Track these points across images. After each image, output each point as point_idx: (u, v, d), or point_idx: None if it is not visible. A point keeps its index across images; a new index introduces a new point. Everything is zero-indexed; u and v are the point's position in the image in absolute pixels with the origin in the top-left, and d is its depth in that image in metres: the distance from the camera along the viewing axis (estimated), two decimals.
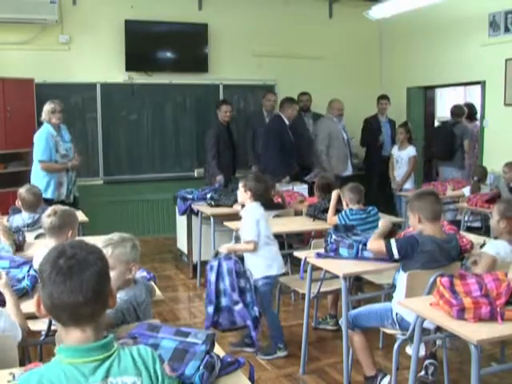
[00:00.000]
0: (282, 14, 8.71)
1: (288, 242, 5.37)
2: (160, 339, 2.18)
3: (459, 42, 7.93)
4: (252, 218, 4.27)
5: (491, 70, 7.45)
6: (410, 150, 7.74)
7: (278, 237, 5.18)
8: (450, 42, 8.06)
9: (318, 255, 3.91)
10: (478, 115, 7.99)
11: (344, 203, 4.74)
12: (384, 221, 3.92)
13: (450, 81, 8.33)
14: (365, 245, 3.78)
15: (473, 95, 9.01)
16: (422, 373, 3.78)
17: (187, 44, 8.21)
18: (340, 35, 9.08)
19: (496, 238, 3.85)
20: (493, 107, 7.56)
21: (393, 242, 3.45)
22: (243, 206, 4.51)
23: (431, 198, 3.54)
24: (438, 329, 3.12)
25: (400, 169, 7.82)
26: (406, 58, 8.83)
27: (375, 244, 3.66)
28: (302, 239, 5.31)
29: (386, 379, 3.63)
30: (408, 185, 7.73)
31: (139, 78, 8.08)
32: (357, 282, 4.60)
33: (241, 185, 4.41)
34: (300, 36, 8.82)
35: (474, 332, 2.59)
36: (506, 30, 7.24)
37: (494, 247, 3.61)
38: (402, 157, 7.79)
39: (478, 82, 7.84)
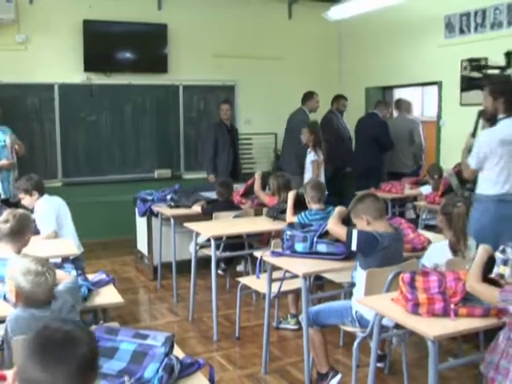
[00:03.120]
0: (242, 14, 8.72)
1: (248, 243, 5.37)
2: (118, 342, 2.16)
3: (416, 43, 8.05)
4: None
5: (447, 70, 7.58)
6: (312, 155, 6.92)
7: (239, 237, 5.23)
8: (408, 43, 8.19)
9: (274, 253, 3.93)
10: (435, 115, 8.12)
11: (306, 201, 4.72)
12: (340, 207, 3.94)
13: (407, 81, 8.45)
14: (319, 236, 3.81)
15: (430, 95, 9.13)
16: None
17: (146, 44, 8.16)
18: (299, 36, 9.14)
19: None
20: (449, 107, 7.69)
21: (355, 232, 3.47)
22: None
23: (371, 197, 3.60)
24: (397, 326, 3.15)
25: (306, 173, 6.99)
26: (365, 59, 8.93)
27: (337, 228, 3.65)
28: (262, 239, 5.32)
29: (337, 378, 3.70)
30: None
31: (98, 79, 7.98)
32: (317, 281, 4.62)
33: None
34: (260, 36, 8.85)
35: (431, 328, 2.64)
36: (461, 31, 7.38)
37: (435, 253, 3.71)
38: (307, 161, 7.02)
39: (435, 83, 7.97)
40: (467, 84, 5.99)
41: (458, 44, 7.40)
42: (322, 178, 6.75)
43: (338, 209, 3.87)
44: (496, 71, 5.73)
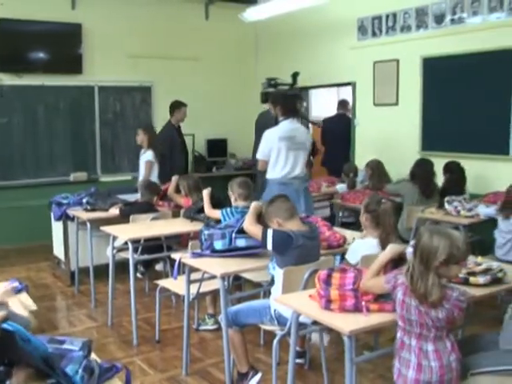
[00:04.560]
0: (158, 14, 8.66)
1: (167, 244, 5.34)
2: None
3: (331, 45, 8.23)
4: None
5: (361, 71, 7.80)
6: (146, 155, 6.91)
7: (157, 239, 5.19)
8: (323, 45, 8.35)
9: (194, 254, 3.92)
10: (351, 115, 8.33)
11: (233, 198, 4.68)
12: (254, 203, 3.96)
13: (323, 82, 8.62)
14: (238, 232, 3.83)
15: (345, 96, 9.35)
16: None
17: (60, 44, 7.97)
18: (216, 36, 9.17)
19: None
20: (363, 107, 7.91)
21: (270, 232, 3.50)
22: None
23: (280, 199, 3.66)
24: (315, 322, 3.21)
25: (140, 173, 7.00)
26: (281, 60, 9.02)
27: (253, 227, 3.70)
28: (182, 241, 5.30)
29: (257, 377, 3.73)
30: None
31: (9, 80, 7.73)
32: (236, 281, 4.64)
33: None
34: (176, 37, 8.82)
35: (346, 323, 2.70)
36: (374, 34, 7.60)
37: (359, 249, 3.80)
38: (140, 160, 7.02)
39: (349, 83, 8.17)
40: (265, 97, 6.68)
41: (371, 46, 7.63)
42: (155, 178, 6.80)
43: (253, 205, 3.90)
44: (286, 87, 6.72)
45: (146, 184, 6.07)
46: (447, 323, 2.59)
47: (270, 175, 5.58)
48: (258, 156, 5.61)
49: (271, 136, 5.51)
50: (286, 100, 5.88)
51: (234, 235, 3.84)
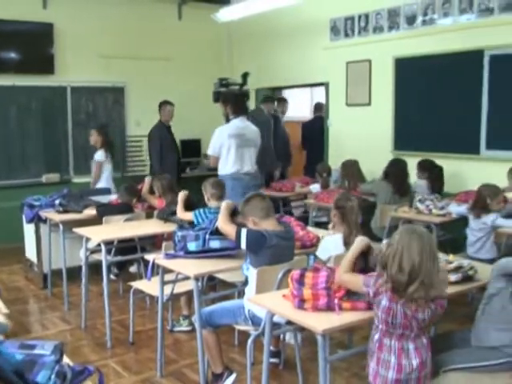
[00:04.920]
0: (131, 14, 8.62)
1: (141, 246, 5.31)
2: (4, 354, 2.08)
3: (304, 46, 8.26)
4: None
5: (334, 72, 7.85)
6: (97, 155, 6.96)
7: (131, 240, 5.16)
8: (296, 45, 8.38)
9: (167, 255, 3.91)
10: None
11: (205, 198, 4.70)
12: (226, 202, 3.97)
13: (296, 82, 8.66)
14: (211, 233, 3.84)
15: (319, 96, 9.40)
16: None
17: (31, 44, 7.86)
18: (189, 37, 9.15)
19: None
20: (336, 107, 7.95)
21: (244, 231, 3.50)
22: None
23: (256, 198, 3.66)
24: (289, 322, 3.22)
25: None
26: (255, 60, 9.04)
27: (226, 227, 3.69)
28: (156, 242, 5.28)
29: (231, 377, 3.73)
30: None
31: None
32: (210, 282, 4.64)
33: None
34: (149, 37, 8.77)
35: (319, 322, 2.72)
36: (346, 34, 7.65)
37: (329, 246, 3.84)
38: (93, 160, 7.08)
39: (322, 84, 8.21)
40: (216, 96, 6.88)
41: (343, 46, 7.68)
42: (103, 179, 6.89)
43: (224, 204, 3.90)
44: (236, 87, 6.93)
45: (125, 185, 6.04)
46: (430, 321, 2.62)
47: (221, 171, 5.92)
48: (209, 152, 5.99)
49: (221, 133, 5.88)
50: (237, 99, 6.21)
51: (207, 236, 3.84)
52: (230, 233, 3.64)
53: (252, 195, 3.73)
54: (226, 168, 5.89)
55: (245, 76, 6.78)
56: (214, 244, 3.85)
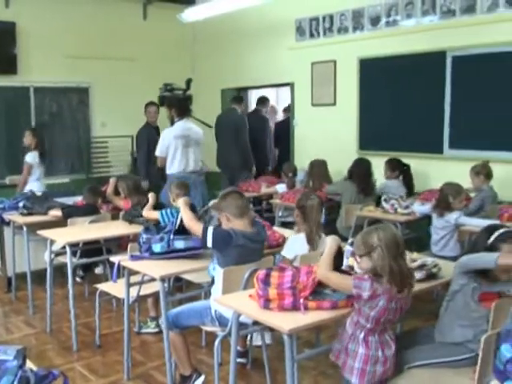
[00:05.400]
0: (96, 14, 8.53)
1: (107, 248, 5.27)
2: None
3: (269, 46, 8.28)
4: None
5: (299, 72, 7.89)
6: (28, 156, 6.84)
7: (97, 242, 5.12)
8: (261, 46, 8.40)
9: (133, 257, 3.89)
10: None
11: (171, 199, 4.74)
12: (183, 198, 3.98)
13: (262, 82, 8.67)
14: (175, 233, 3.84)
15: (284, 96, 9.44)
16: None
17: None
18: (154, 37, 9.10)
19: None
20: (301, 107, 8.00)
21: (210, 230, 3.48)
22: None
23: (234, 195, 3.64)
24: (256, 322, 3.22)
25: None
26: (220, 60, 9.04)
27: (193, 224, 3.67)
28: (122, 244, 5.24)
29: (200, 379, 3.72)
30: None
31: None
32: (177, 283, 4.63)
33: None
34: (114, 37, 8.70)
35: (285, 322, 2.73)
36: (311, 35, 7.69)
37: (293, 245, 3.87)
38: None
39: (287, 84, 8.24)
40: (162, 100, 6.97)
41: (308, 47, 7.72)
42: (33, 182, 6.83)
43: (182, 201, 3.92)
44: (180, 92, 7.04)
45: (88, 186, 5.99)
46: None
47: (169, 171, 6.24)
48: (157, 153, 6.28)
49: (168, 135, 6.20)
50: (180, 103, 6.53)
51: (171, 237, 3.84)
52: (196, 230, 3.62)
53: (230, 191, 3.73)
54: (172, 167, 6.19)
55: (188, 82, 7.02)
56: (179, 244, 3.85)
